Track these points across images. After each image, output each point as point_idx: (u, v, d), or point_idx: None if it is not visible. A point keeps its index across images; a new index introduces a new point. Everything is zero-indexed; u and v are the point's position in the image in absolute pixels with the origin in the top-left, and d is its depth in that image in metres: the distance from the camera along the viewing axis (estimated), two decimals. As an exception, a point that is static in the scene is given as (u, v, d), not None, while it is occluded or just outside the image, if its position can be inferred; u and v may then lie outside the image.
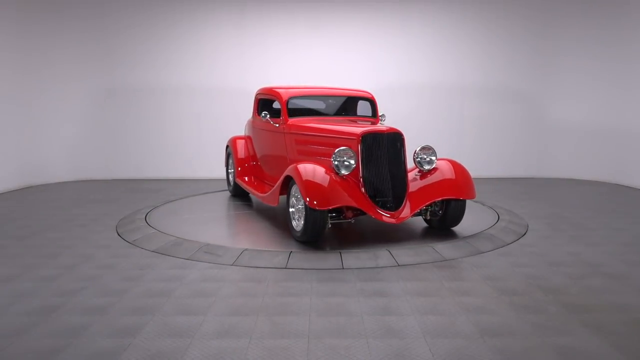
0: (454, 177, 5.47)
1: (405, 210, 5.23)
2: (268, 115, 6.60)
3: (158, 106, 9.95)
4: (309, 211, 4.91)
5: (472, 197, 5.42)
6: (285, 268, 4.53)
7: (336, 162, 5.18)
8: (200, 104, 9.96)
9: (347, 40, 9.88)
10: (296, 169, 5.18)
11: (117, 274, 4.39)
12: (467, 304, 3.70)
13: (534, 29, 9.85)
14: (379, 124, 6.36)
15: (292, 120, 6.38)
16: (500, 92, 10.02)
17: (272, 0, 9.80)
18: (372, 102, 6.83)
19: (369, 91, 7.21)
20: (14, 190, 8.79)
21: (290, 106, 6.53)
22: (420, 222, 6.21)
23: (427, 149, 5.59)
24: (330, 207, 4.89)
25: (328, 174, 5.11)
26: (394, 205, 5.26)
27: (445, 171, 5.52)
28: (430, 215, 5.62)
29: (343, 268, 4.52)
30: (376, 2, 9.81)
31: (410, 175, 5.54)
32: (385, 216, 5.15)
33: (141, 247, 5.20)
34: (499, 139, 10.11)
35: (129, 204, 7.42)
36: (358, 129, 5.43)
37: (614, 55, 9.25)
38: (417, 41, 9.90)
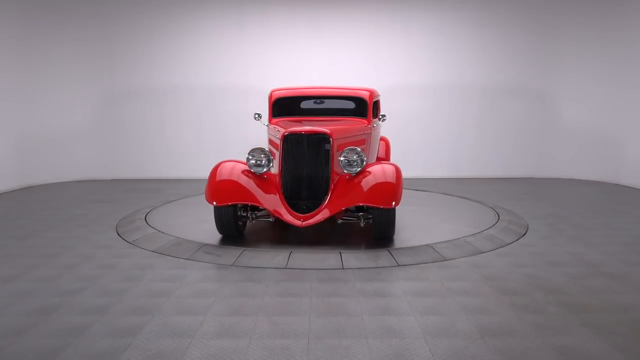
0: (376, 182, 5.08)
1: (319, 215, 5.04)
2: (259, 116, 6.73)
3: (158, 106, 9.95)
4: (214, 207, 5.18)
5: (388, 205, 4.93)
6: (285, 268, 4.53)
7: (247, 160, 5.32)
8: (200, 104, 9.96)
9: (347, 40, 9.87)
10: (215, 166, 5.37)
11: (117, 274, 4.39)
12: (467, 304, 3.70)
13: (535, 30, 9.84)
14: (358, 125, 6.18)
15: (274, 120, 6.51)
16: (500, 92, 10.02)
17: (272, 0, 9.80)
18: (364, 102, 6.61)
19: (372, 89, 7.13)
20: (14, 190, 8.79)
21: (280, 106, 6.66)
22: (420, 223, 6.21)
23: (350, 152, 5.26)
24: (223, 205, 5.10)
25: (244, 173, 5.26)
26: (307, 207, 5.13)
27: (373, 176, 5.15)
28: (364, 221, 5.27)
29: (343, 268, 4.52)
30: (377, 2, 9.81)
31: (341, 179, 5.26)
32: (291, 218, 5.04)
33: (141, 247, 5.20)
34: (499, 139, 10.10)
35: (129, 204, 7.42)
36: (287, 129, 5.37)
37: (615, 56, 9.25)
38: (417, 41, 9.89)
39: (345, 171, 5.25)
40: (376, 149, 7.15)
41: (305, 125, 5.62)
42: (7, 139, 8.78)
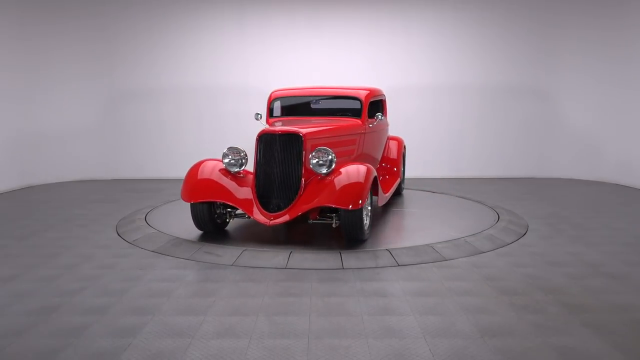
0: (340, 184, 5.00)
1: (286, 215, 5.05)
2: (260, 116, 6.86)
3: (158, 106, 9.95)
4: (190, 204, 5.38)
5: (348, 206, 4.83)
6: (285, 268, 4.53)
7: (222, 158, 5.50)
8: (200, 104, 9.96)
9: (347, 41, 9.87)
10: (193, 165, 5.58)
11: (117, 274, 4.39)
12: (467, 304, 3.70)
13: (536, 30, 9.83)
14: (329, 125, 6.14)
15: (270, 121, 6.66)
16: (500, 92, 10.01)
17: (272, 0, 9.81)
18: (360, 102, 6.58)
19: (373, 89, 7.11)
20: (14, 190, 8.79)
21: (278, 107, 6.79)
22: (422, 223, 6.21)
23: (319, 152, 5.19)
24: (196, 202, 5.30)
25: (222, 172, 5.44)
26: (277, 206, 5.15)
27: (339, 178, 5.08)
28: (336, 223, 5.18)
29: (343, 268, 4.52)
30: (377, 2, 9.81)
31: (313, 180, 5.22)
32: (260, 216, 5.10)
33: (141, 247, 5.20)
34: (499, 139, 10.10)
35: (129, 204, 7.42)
36: (263, 129, 5.45)
37: (615, 56, 9.24)
38: (418, 41, 9.89)
39: (318, 171, 5.22)
40: (376, 148, 7.11)
41: (290, 125, 5.67)
42: (6, 138, 8.78)
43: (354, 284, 4.12)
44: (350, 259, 4.69)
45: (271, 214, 5.10)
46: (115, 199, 7.88)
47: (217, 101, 9.95)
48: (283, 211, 5.09)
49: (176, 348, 3.04)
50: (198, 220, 5.49)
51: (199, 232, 5.62)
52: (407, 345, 3.06)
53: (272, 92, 6.98)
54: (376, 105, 7.25)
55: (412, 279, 4.23)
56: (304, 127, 5.49)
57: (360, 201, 4.87)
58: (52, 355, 2.94)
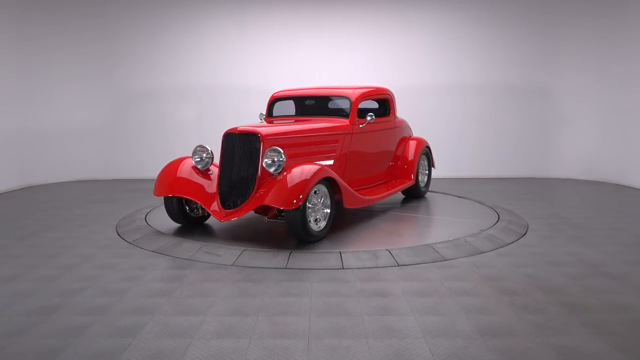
0: (285, 184, 4.98)
1: (238, 213, 5.19)
2: (262, 116, 7.00)
3: (159, 106, 9.95)
4: (163, 198, 5.72)
5: (284, 206, 4.84)
6: (285, 268, 4.53)
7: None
8: (201, 104, 9.96)
9: (347, 40, 9.87)
10: (169, 162, 5.87)
11: (117, 274, 4.40)
12: (467, 304, 3.70)
13: (536, 29, 9.83)
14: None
15: (268, 120, 6.86)
16: (500, 91, 10.00)
17: (273, 0, 9.81)
18: (350, 102, 6.48)
19: (374, 88, 7.08)
20: (14, 190, 8.79)
21: (277, 107, 6.95)
22: (423, 223, 6.22)
23: (270, 152, 5.19)
24: (161, 196, 5.59)
25: (193, 169, 5.72)
26: (233, 203, 5.29)
27: (287, 177, 5.04)
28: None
29: (343, 268, 4.52)
30: (377, 2, 9.81)
31: (268, 179, 5.24)
32: (216, 212, 5.31)
33: (141, 247, 5.20)
34: (499, 138, 10.09)
35: (129, 204, 7.42)
36: (230, 128, 5.58)
37: (615, 56, 9.24)
38: (417, 41, 9.89)
39: (269, 171, 5.21)
40: (374, 148, 7.02)
41: (262, 125, 5.88)
42: (6, 138, 8.77)
43: (354, 284, 4.12)
44: (350, 259, 4.69)
45: (225, 210, 5.27)
46: (115, 199, 7.88)
47: (218, 101, 9.95)
48: (236, 209, 5.25)
49: (176, 348, 3.04)
50: (169, 213, 5.75)
51: (199, 232, 5.63)
52: (407, 345, 3.06)
53: (273, 94, 7.06)
54: (381, 104, 7.24)
55: (412, 279, 4.23)
56: (270, 127, 5.65)
57: (298, 199, 4.83)
58: (52, 355, 2.94)
